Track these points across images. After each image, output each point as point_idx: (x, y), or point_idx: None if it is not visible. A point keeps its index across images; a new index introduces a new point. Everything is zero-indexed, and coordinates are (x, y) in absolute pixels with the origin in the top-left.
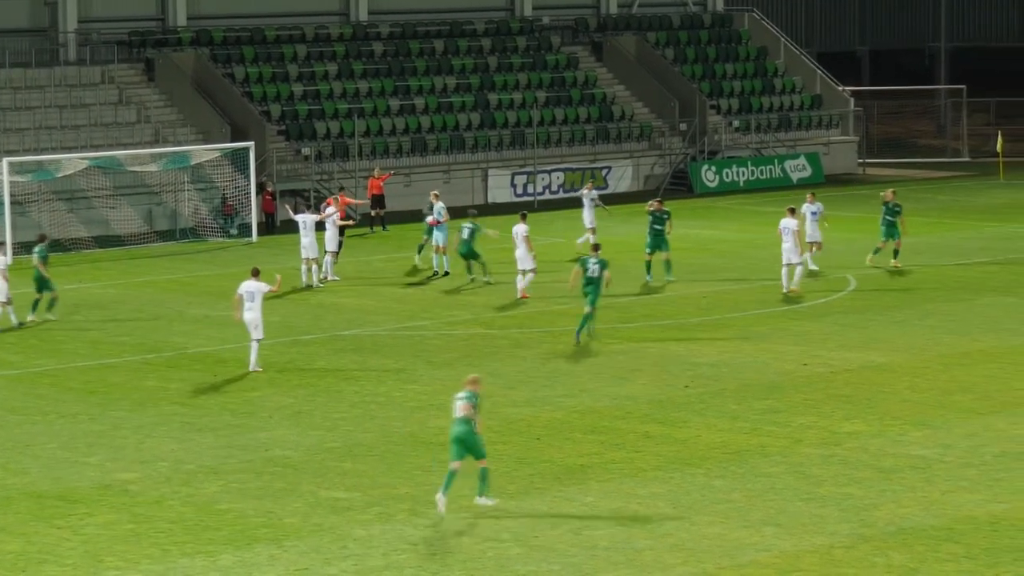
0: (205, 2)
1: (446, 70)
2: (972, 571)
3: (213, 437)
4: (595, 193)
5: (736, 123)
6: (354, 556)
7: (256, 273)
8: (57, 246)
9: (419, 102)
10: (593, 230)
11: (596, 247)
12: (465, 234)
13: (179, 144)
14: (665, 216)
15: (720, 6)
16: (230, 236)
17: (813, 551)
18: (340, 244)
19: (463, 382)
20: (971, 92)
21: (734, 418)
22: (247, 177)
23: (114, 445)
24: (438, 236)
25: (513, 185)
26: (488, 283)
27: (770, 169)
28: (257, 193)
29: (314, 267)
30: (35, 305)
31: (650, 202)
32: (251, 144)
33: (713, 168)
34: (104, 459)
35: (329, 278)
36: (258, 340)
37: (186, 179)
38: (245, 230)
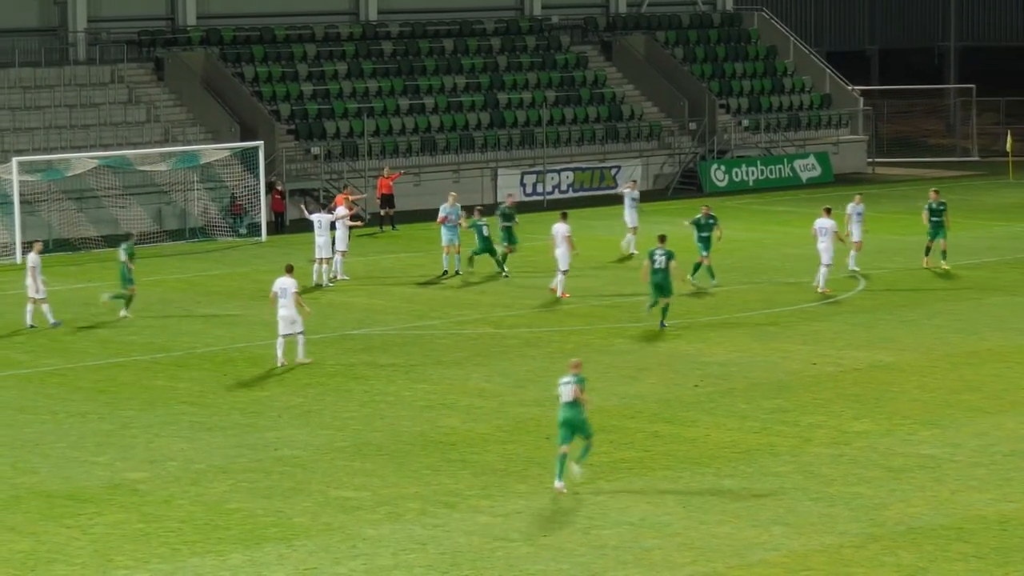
0: (214, 1)
1: (455, 69)
2: (982, 570)
3: (222, 436)
4: (636, 193)
5: (745, 122)
6: (364, 555)
7: (290, 270)
8: (66, 245)
9: (428, 101)
10: (634, 229)
11: (662, 238)
12: (484, 231)
13: (188, 143)
14: (712, 221)
15: (729, 5)
16: (239, 235)
17: (822, 550)
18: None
19: (568, 366)
20: (980, 91)
21: (743, 417)
22: (256, 176)
23: (123, 444)
24: (450, 236)
25: (523, 184)
26: (505, 276)
27: (779, 168)
28: (266, 192)
29: (325, 267)
30: (127, 301)
31: (685, 223)
32: (260, 143)
33: (722, 167)
34: (113, 458)
35: (339, 277)
36: (300, 333)
37: (195, 178)
38: (254, 229)
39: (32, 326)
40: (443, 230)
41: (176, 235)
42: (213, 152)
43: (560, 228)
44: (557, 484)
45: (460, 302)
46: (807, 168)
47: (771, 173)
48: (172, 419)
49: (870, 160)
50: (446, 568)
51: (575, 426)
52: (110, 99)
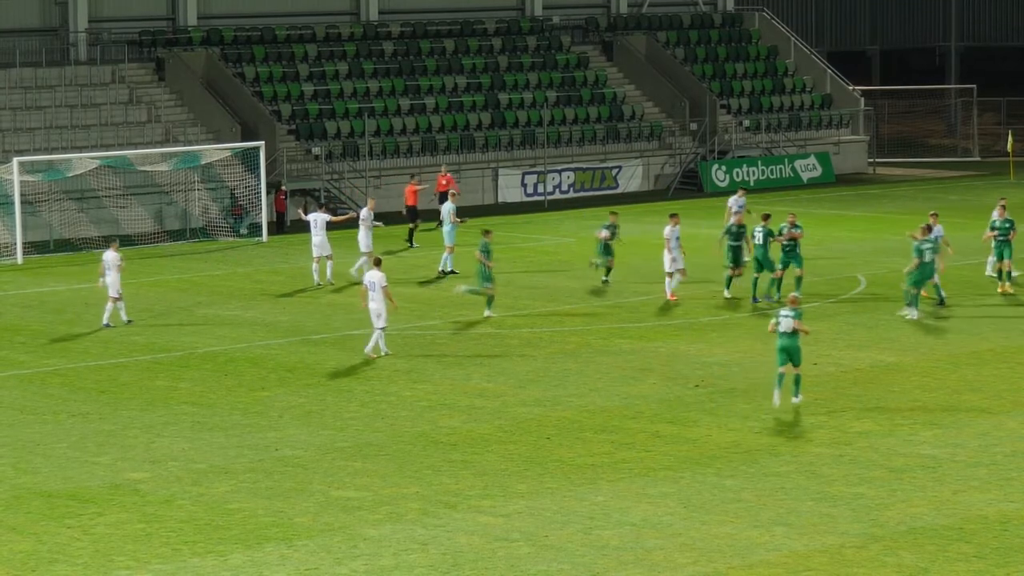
0: (215, 2)
1: (456, 70)
2: (983, 571)
3: (223, 436)
4: (744, 200)
5: (746, 122)
6: (364, 556)
7: (378, 263)
8: (67, 245)
9: (429, 102)
10: None
11: (766, 216)
12: (605, 233)
13: (189, 144)
14: (796, 229)
15: (730, 5)
16: (240, 236)
17: (823, 551)
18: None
19: (786, 302)
20: (981, 92)
21: (744, 418)
22: (257, 177)
23: (124, 444)
24: (448, 235)
25: (523, 185)
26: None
27: (780, 168)
28: (269, 192)
29: (328, 264)
30: (488, 301)
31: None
32: (261, 143)
33: (723, 168)
34: (114, 458)
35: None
36: (381, 328)
37: (196, 179)
38: (255, 230)
39: (108, 325)
40: (442, 228)
41: (177, 235)
42: (214, 152)
43: (671, 231)
44: (775, 393)
45: (461, 302)
46: (808, 168)
47: (772, 173)
48: (173, 419)
49: (871, 160)
50: (447, 568)
51: (791, 352)
52: (111, 99)
